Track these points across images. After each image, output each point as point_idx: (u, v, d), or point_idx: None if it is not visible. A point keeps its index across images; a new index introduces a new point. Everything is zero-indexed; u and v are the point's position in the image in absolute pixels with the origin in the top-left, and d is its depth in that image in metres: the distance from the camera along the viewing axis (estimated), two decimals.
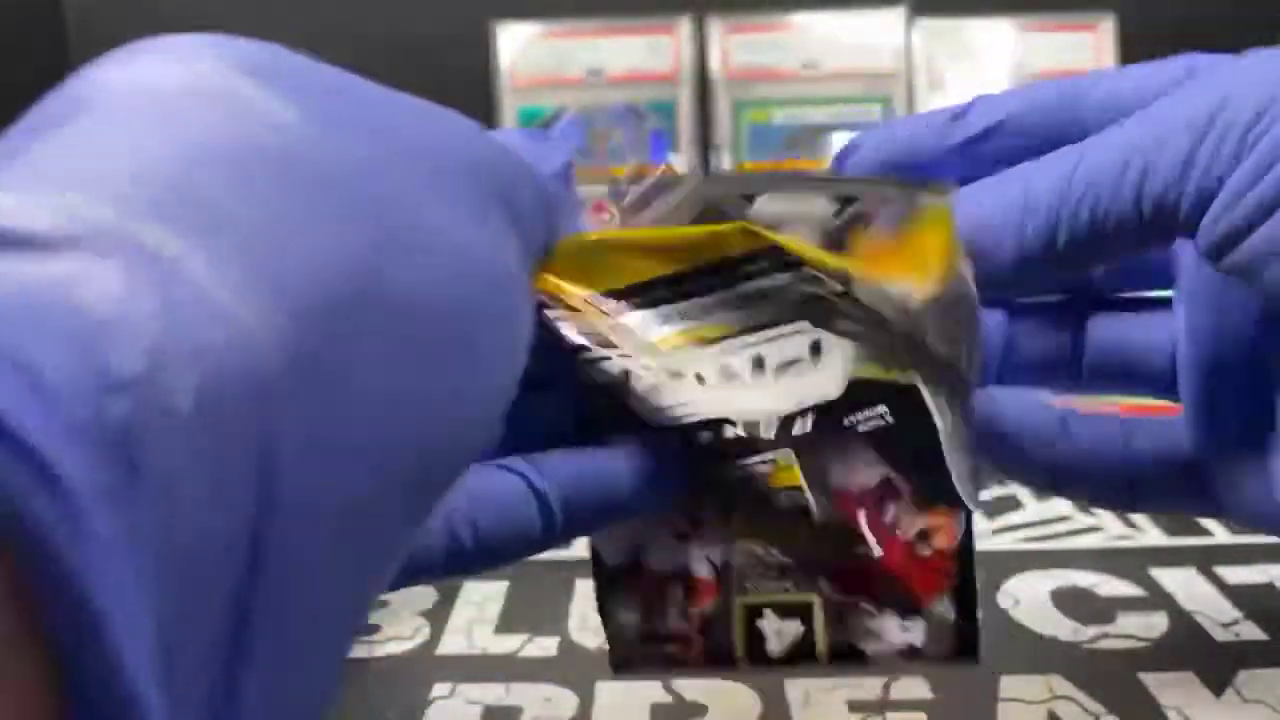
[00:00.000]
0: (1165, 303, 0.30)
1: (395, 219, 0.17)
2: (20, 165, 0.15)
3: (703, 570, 0.28)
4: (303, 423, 0.15)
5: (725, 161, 0.71)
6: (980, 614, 0.27)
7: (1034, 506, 0.53)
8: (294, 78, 0.19)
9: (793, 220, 0.27)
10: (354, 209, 0.17)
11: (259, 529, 0.14)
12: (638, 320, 0.26)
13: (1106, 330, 0.30)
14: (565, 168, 0.26)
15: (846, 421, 0.26)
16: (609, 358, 0.26)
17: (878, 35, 0.78)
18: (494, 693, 0.38)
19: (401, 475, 0.17)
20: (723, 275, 0.25)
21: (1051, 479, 0.30)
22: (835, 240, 0.26)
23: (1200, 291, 0.28)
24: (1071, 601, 0.43)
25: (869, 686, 0.37)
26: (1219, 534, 0.48)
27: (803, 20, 0.78)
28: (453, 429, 0.18)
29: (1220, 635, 0.40)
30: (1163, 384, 0.30)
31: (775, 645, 0.28)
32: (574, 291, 0.25)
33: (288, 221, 0.16)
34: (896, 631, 0.27)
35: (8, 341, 0.12)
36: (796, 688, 0.37)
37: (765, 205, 0.28)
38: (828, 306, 0.25)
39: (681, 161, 0.71)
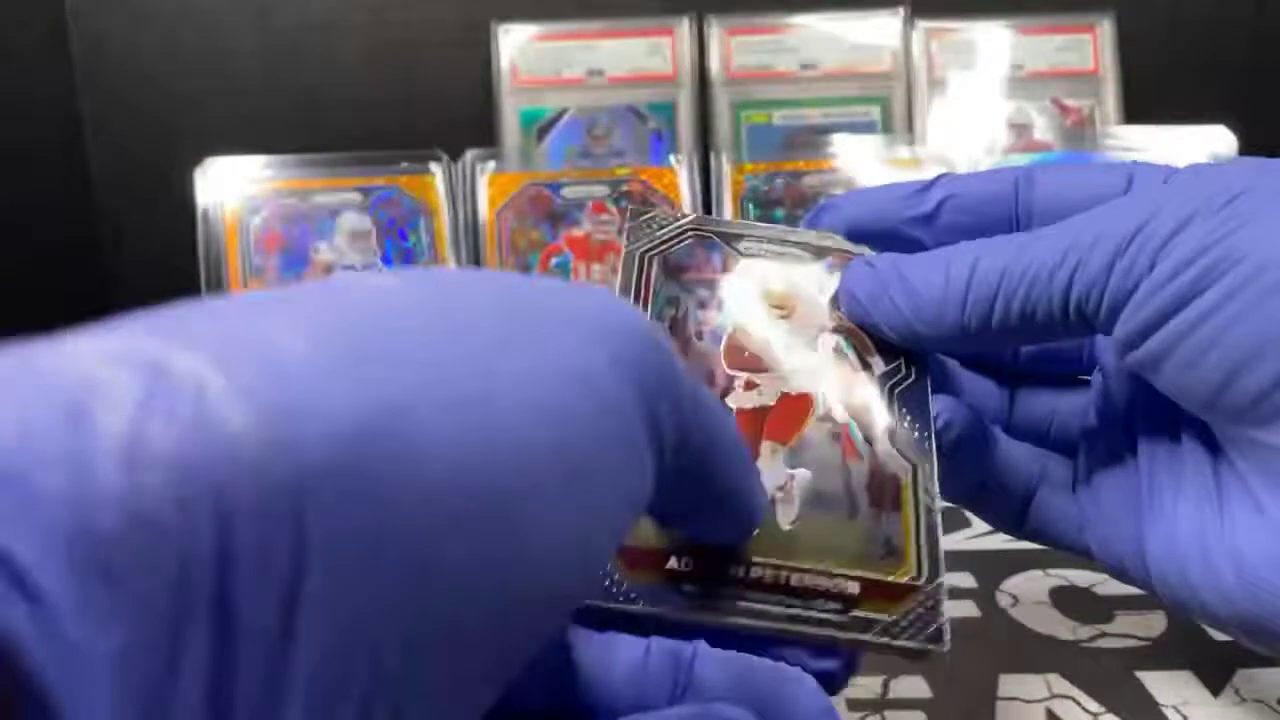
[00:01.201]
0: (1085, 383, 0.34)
1: (463, 368, 0.17)
2: (119, 325, 0.16)
3: None
4: (323, 556, 0.14)
5: (725, 162, 0.71)
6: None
7: None
8: (432, 278, 0.20)
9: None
10: (409, 355, 0.17)
11: (273, 663, 0.14)
12: None
13: (1031, 399, 0.34)
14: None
15: None
16: None
17: (877, 37, 0.78)
18: None
19: (437, 633, 0.16)
20: None
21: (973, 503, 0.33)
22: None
23: (1108, 381, 0.32)
24: (1070, 601, 0.43)
25: (869, 685, 0.37)
26: None
27: (802, 22, 0.78)
28: (518, 594, 0.17)
29: (1218, 634, 0.40)
30: (1070, 447, 0.33)
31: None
32: None
33: (333, 359, 0.16)
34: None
35: (4, 458, 0.13)
36: None
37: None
38: None
39: (682, 162, 0.71)
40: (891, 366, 0.30)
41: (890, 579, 0.27)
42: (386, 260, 0.63)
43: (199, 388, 0.14)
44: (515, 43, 0.77)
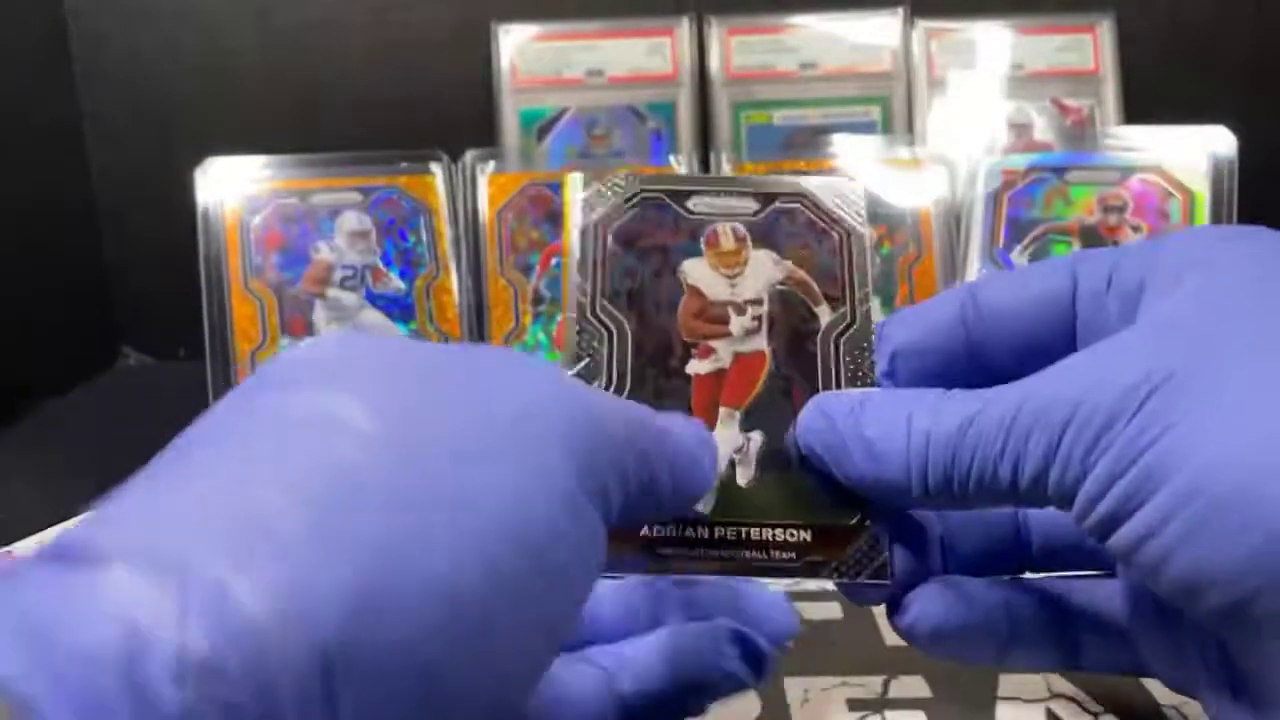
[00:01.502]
0: None
1: (437, 498, 0.20)
2: (132, 503, 0.18)
3: None
4: (353, 710, 0.17)
5: (725, 162, 0.71)
6: None
7: None
8: (383, 380, 0.22)
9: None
10: (394, 500, 0.19)
11: None
12: None
13: (1043, 515, 0.32)
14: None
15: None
16: None
17: (877, 37, 0.78)
18: None
19: None
20: None
21: (999, 659, 0.31)
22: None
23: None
24: None
25: (869, 685, 0.37)
26: None
27: (802, 21, 0.78)
28: (506, 676, 0.21)
29: None
30: (1106, 560, 0.32)
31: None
32: None
33: (326, 529, 0.18)
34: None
35: (69, 674, 0.15)
36: (796, 686, 0.37)
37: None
38: None
39: (682, 162, 0.71)
40: (837, 315, 0.32)
41: (838, 523, 0.30)
42: (386, 260, 0.63)
43: (222, 592, 0.17)
44: (515, 43, 0.77)
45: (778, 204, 0.34)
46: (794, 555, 0.30)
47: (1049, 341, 0.30)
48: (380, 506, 0.19)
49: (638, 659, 0.27)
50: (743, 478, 0.31)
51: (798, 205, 0.34)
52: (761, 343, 0.32)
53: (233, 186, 0.64)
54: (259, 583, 0.17)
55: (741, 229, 0.33)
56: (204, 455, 0.20)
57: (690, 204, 0.34)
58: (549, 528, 0.21)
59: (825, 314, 0.32)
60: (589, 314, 0.32)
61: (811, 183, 0.34)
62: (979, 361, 0.31)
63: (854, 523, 0.30)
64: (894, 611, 0.30)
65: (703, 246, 0.33)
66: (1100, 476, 0.25)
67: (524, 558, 0.20)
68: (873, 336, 0.32)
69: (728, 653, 0.28)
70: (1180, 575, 0.24)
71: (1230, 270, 0.27)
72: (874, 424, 0.29)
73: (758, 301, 0.32)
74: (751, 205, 0.34)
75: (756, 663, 0.28)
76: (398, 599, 0.18)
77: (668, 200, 0.34)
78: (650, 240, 0.33)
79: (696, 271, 0.33)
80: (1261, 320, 0.25)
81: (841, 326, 0.32)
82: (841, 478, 0.29)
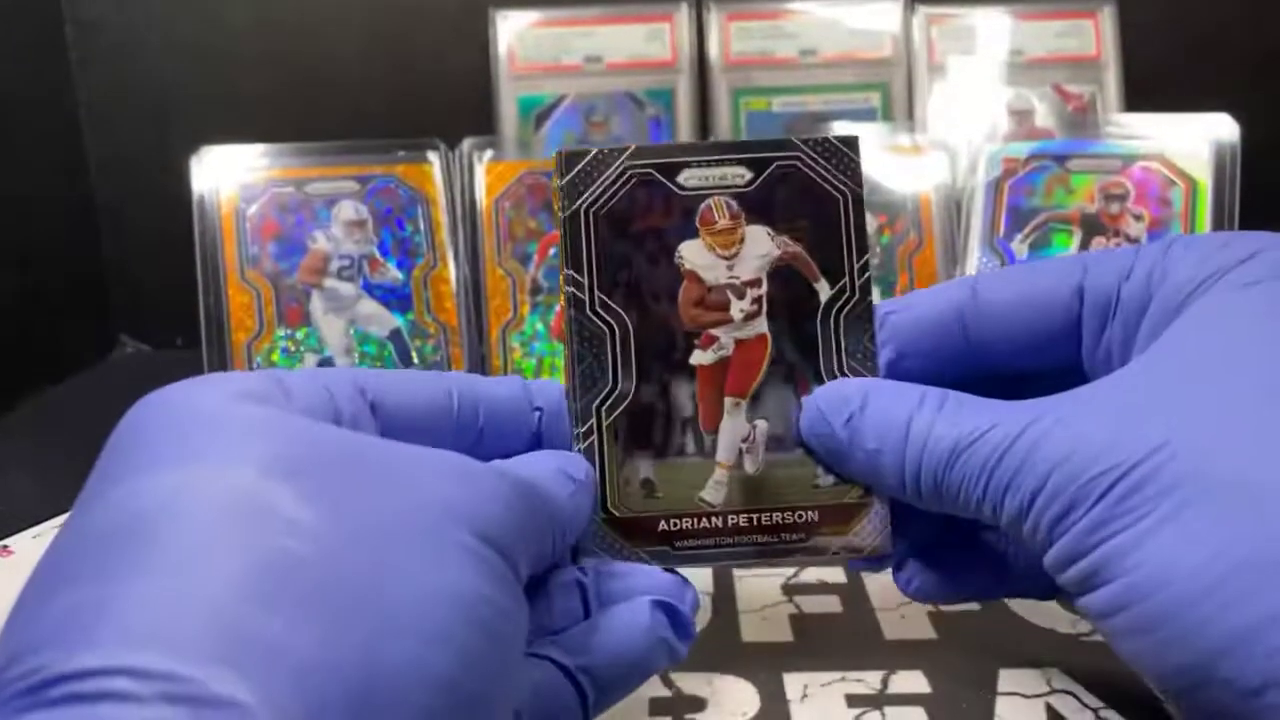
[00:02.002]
0: None
1: (394, 594, 0.21)
2: (106, 621, 0.19)
3: None
4: None
5: None
6: None
7: None
8: (311, 469, 0.22)
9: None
10: (361, 601, 0.20)
11: None
12: None
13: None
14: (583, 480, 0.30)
15: None
16: None
17: (877, 22, 0.77)
18: None
19: None
20: None
21: (1002, 595, 0.36)
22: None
23: None
24: None
25: (868, 681, 0.37)
26: None
27: (802, 7, 0.78)
28: None
29: None
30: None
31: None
32: None
33: (317, 637, 0.19)
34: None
35: None
36: (795, 682, 0.37)
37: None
38: None
39: None
40: (836, 289, 0.32)
41: (842, 500, 0.31)
42: (383, 249, 0.63)
43: (243, 713, 0.18)
44: (513, 29, 0.77)
45: (772, 170, 0.32)
46: (804, 535, 0.31)
47: (1050, 343, 0.30)
48: (348, 603, 0.20)
49: (580, 643, 0.28)
50: (750, 465, 0.31)
51: (793, 167, 0.33)
52: (762, 326, 0.32)
53: (229, 175, 0.63)
54: (275, 702, 0.18)
55: (735, 205, 0.32)
56: (149, 550, 0.20)
57: (681, 178, 0.32)
58: (495, 606, 0.23)
59: (824, 290, 0.32)
60: (588, 310, 0.31)
61: (806, 141, 0.33)
62: (977, 358, 0.31)
63: (857, 499, 0.31)
64: (898, 578, 0.33)
65: (697, 225, 0.32)
66: (1061, 552, 0.26)
67: (483, 637, 0.22)
68: (873, 308, 0.32)
69: (660, 623, 0.29)
70: (1126, 656, 0.26)
71: (1231, 299, 0.27)
72: (873, 433, 0.30)
73: (756, 283, 0.32)
74: (744, 174, 0.32)
75: (684, 631, 0.29)
76: (395, 693, 0.20)
77: (657, 175, 0.32)
78: (643, 223, 0.32)
79: (693, 255, 0.32)
80: (1248, 370, 0.25)
81: (841, 301, 0.32)
82: (842, 472, 0.31)
